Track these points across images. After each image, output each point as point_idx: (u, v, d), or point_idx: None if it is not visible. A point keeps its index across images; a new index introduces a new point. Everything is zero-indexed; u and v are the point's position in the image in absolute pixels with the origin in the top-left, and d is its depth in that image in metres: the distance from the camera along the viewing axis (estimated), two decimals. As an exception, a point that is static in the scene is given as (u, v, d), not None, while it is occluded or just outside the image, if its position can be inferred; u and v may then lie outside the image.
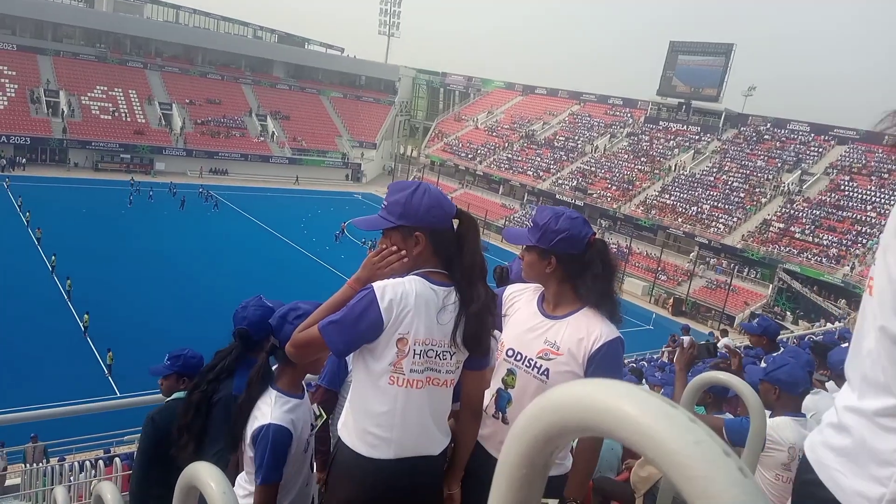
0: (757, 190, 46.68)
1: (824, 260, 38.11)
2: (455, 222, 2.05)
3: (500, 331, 2.36)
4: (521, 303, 2.37)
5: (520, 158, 59.73)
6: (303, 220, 44.68)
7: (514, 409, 2.25)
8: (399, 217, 1.98)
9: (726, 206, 45.89)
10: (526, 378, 2.22)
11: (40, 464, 10.24)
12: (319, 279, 30.34)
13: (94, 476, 7.90)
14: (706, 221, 45.00)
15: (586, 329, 2.17)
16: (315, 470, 2.55)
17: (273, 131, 60.63)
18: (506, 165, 59.27)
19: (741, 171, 49.39)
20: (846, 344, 6.10)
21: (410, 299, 1.90)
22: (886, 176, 43.74)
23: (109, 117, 52.58)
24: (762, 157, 50.19)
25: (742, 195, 46.56)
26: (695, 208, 46.50)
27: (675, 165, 51.95)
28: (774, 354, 4.12)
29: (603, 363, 2.13)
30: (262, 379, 2.31)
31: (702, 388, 2.67)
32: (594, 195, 51.27)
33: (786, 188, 45.71)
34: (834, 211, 42.19)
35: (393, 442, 1.94)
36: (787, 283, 37.74)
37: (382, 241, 2.05)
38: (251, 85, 65.46)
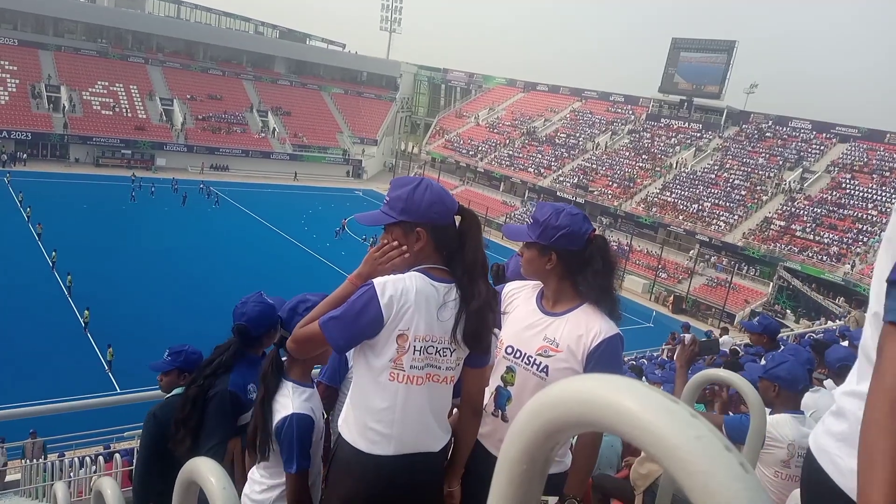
0: (758, 187, 46.63)
1: (825, 258, 38.11)
2: (457, 219, 2.05)
3: (500, 329, 2.36)
4: (519, 300, 2.37)
5: (521, 155, 59.69)
6: (303, 216, 44.69)
7: (514, 406, 2.25)
8: (401, 213, 1.98)
9: (727, 204, 45.86)
10: (525, 375, 2.22)
11: (39, 460, 10.25)
12: (320, 275, 30.36)
13: (95, 472, 7.92)
14: (707, 219, 44.97)
15: (585, 326, 2.16)
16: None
17: (274, 127, 60.59)
18: (507, 162, 59.23)
19: (742, 168, 49.35)
20: (846, 342, 6.11)
21: (411, 295, 1.90)
22: (888, 174, 43.70)
23: (110, 113, 52.55)
24: (763, 154, 50.14)
25: (743, 193, 46.53)
26: (696, 206, 46.47)
27: (677, 163, 51.91)
28: (774, 352, 4.11)
29: (602, 360, 2.13)
30: (276, 372, 2.32)
31: (702, 385, 2.67)
32: (595, 192, 51.24)
33: (787, 186, 45.66)
34: (835, 209, 42.16)
35: (393, 438, 1.94)
36: (788, 281, 37.73)
37: (384, 236, 2.04)
38: (252, 81, 65.42)
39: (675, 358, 4.13)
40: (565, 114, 65.08)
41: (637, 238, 45.01)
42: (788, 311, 36.24)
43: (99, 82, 54.51)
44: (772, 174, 47.49)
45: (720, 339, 12.17)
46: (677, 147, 54.16)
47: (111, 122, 51.73)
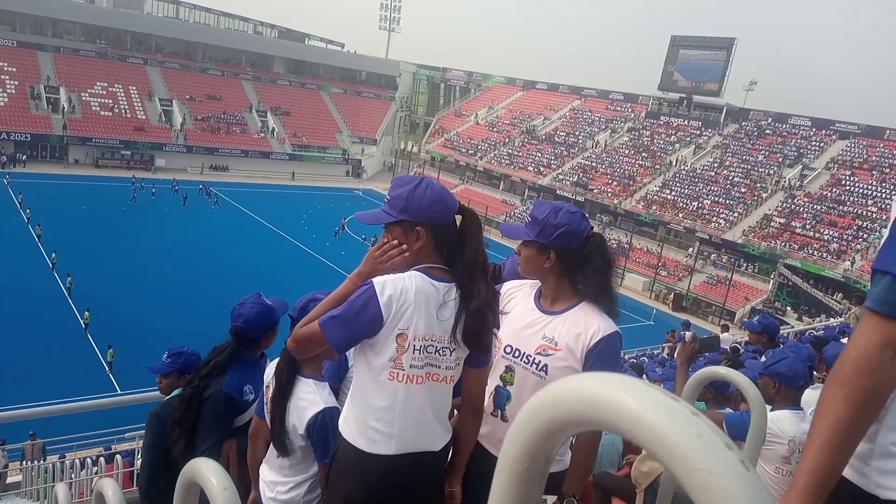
0: (758, 185, 46.62)
1: (825, 255, 38.10)
2: (458, 218, 2.05)
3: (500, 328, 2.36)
4: (518, 299, 2.37)
5: (520, 154, 59.67)
6: (303, 216, 44.69)
7: (513, 406, 2.24)
8: (401, 211, 1.98)
9: (727, 202, 45.85)
10: (524, 374, 2.22)
11: (39, 461, 10.23)
12: (319, 275, 30.34)
13: (96, 473, 7.92)
14: (707, 217, 44.97)
15: (584, 324, 2.16)
16: None
17: (273, 127, 60.56)
18: (506, 161, 59.22)
19: (742, 165, 49.32)
20: (846, 339, 6.10)
21: (410, 294, 1.90)
22: (888, 170, 43.69)
23: (110, 113, 52.53)
24: (763, 151, 50.12)
25: (743, 190, 46.51)
26: (695, 203, 46.45)
27: (676, 160, 51.90)
28: (774, 349, 4.11)
29: (601, 358, 2.13)
30: (290, 369, 2.32)
31: (703, 382, 2.66)
32: (595, 190, 51.24)
33: (787, 183, 45.65)
34: (835, 206, 42.15)
35: (394, 437, 1.94)
36: (788, 278, 37.73)
37: (384, 235, 2.05)
38: (251, 81, 65.39)
39: (675, 355, 4.13)
40: (565, 112, 65.05)
41: (637, 236, 45.02)
42: (789, 309, 36.26)
43: (98, 83, 54.48)
44: (771, 171, 47.47)
45: (720, 336, 12.16)
46: (677, 145, 54.14)
47: (110, 123, 51.72)
